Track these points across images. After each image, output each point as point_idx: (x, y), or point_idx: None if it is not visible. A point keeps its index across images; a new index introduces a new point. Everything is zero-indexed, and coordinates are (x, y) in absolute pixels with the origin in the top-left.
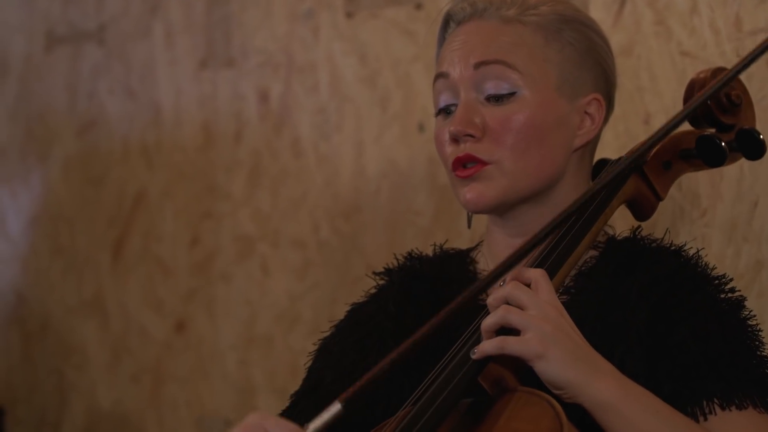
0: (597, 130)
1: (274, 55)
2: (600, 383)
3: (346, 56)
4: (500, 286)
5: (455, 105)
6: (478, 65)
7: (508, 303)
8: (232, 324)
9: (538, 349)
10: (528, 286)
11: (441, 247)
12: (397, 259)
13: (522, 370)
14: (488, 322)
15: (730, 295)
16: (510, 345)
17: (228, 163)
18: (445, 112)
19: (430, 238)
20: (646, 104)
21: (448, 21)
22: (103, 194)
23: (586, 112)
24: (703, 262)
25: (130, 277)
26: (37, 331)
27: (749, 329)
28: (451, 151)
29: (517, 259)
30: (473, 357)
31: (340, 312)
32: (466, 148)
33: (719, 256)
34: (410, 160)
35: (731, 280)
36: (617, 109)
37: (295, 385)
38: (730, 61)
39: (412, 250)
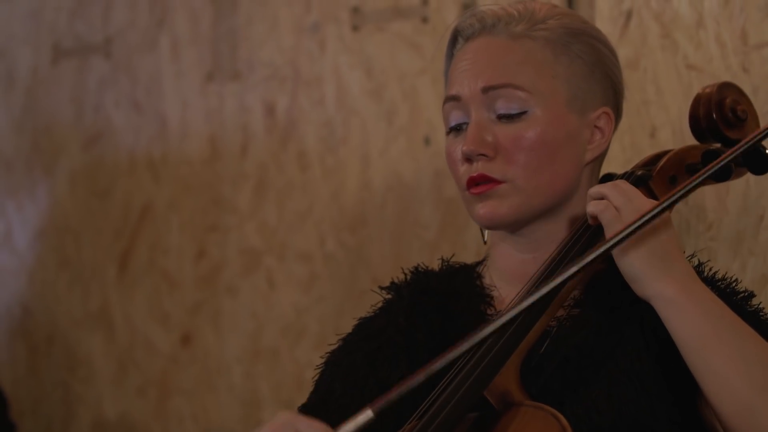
0: (607, 143)
1: (280, 68)
2: (663, 283)
3: (352, 69)
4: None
5: (466, 123)
6: (487, 89)
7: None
8: (238, 337)
9: (620, 230)
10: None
11: (447, 261)
12: (405, 274)
13: (528, 384)
14: (590, 209)
15: (738, 291)
16: (606, 213)
17: (234, 176)
18: (456, 130)
19: (435, 251)
20: (652, 118)
21: (456, 36)
22: (109, 207)
23: (595, 126)
24: (708, 268)
25: (136, 290)
26: (43, 344)
27: (763, 318)
28: (464, 170)
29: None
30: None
31: (347, 325)
32: (479, 167)
33: (725, 269)
34: (416, 173)
35: (736, 279)
36: (623, 123)
37: (301, 397)
38: (735, 75)
39: (419, 265)
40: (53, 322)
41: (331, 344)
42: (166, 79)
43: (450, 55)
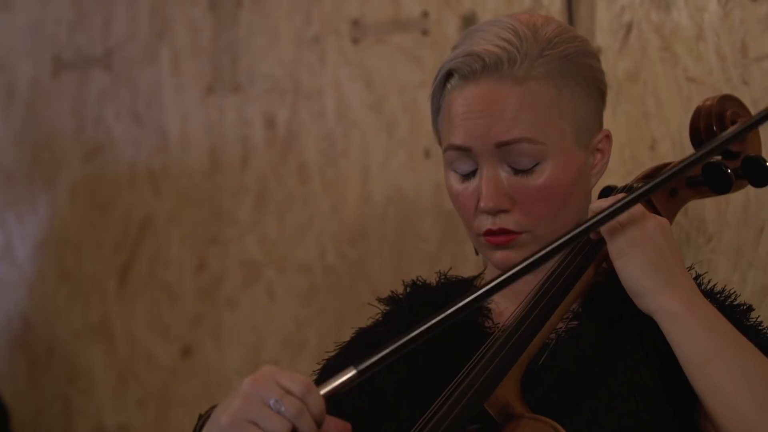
0: (607, 161)
1: (280, 80)
2: (667, 297)
3: (352, 82)
4: None
5: (475, 170)
6: (501, 145)
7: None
8: (238, 349)
9: (622, 246)
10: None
11: (445, 275)
12: (405, 287)
13: (527, 396)
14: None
15: (737, 304)
16: (608, 229)
17: (234, 189)
18: (462, 173)
19: (436, 263)
20: (652, 130)
21: (450, 73)
22: (109, 219)
23: (596, 149)
24: (707, 281)
25: (137, 302)
26: (43, 356)
27: (763, 332)
28: (481, 220)
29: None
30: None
31: (347, 337)
32: (498, 222)
33: (725, 281)
34: (416, 185)
35: (734, 292)
36: (624, 135)
37: None
38: (736, 87)
39: (417, 278)
40: (53, 335)
41: (329, 351)
42: (167, 91)
43: (442, 89)
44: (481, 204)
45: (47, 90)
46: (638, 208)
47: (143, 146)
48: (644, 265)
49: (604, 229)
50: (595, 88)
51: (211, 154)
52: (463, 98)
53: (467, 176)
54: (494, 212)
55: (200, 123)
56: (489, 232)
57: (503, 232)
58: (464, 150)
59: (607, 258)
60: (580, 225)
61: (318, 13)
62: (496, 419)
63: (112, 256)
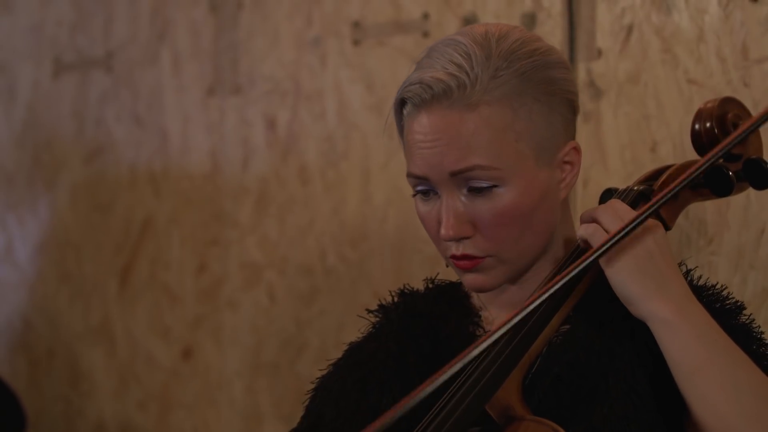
0: (578, 171)
1: (281, 82)
2: (658, 302)
3: (353, 84)
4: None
5: (432, 191)
6: (455, 174)
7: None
8: (238, 351)
9: (611, 253)
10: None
11: (432, 280)
12: (392, 296)
13: (528, 399)
14: (580, 233)
15: (727, 302)
16: (596, 237)
17: (235, 191)
18: (422, 193)
19: (436, 265)
20: (653, 132)
21: (403, 101)
22: (110, 221)
23: (564, 162)
24: (697, 277)
25: (137, 304)
26: (44, 358)
27: (754, 330)
28: (445, 246)
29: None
30: (579, 243)
31: (347, 339)
32: (461, 248)
33: (726, 283)
34: None
35: (725, 288)
36: (624, 137)
37: (302, 412)
38: (736, 89)
39: (404, 286)
40: (54, 336)
41: (330, 360)
42: (167, 93)
43: (399, 117)
44: (442, 232)
45: (48, 92)
46: (629, 214)
47: (144, 148)
48: (633, 271)
49: (592, 240)
50: (561, 100)
51: (211, 155)
52: (417, 126)
53: (431, 198)
54: (456, 240)
55: (201, 125)
56: (454, 257)
57: (466, 258)
58: (420, 179)
59: None
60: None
61: (319, 15)
62: (497, 421)
63: (113, 258)
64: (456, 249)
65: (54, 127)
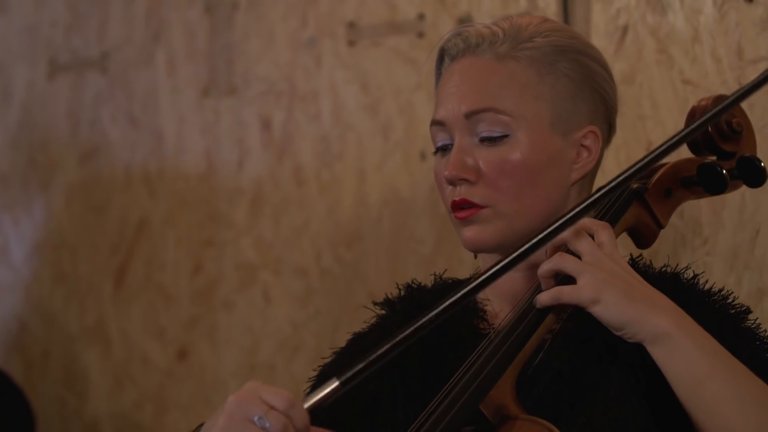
0: (594, 161)
1: (276, 83)
2: (657, 318)
3: (348, 84)
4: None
5: (451, 145)
6: (469, 114)
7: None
8: (234, 352)
9: (592, 295)
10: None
11: (440, 277)
12: (399, 289)
13: (522, 398)
14: (544, 268)
15: (733, 305)
16: (565, 295)
17: (230, 191)
18: (442, 150)
19: (431, 266)
20: (648, 132)
21: (443, 55)
22: (105, 222)
23: (582, 145)
24: (703, 282)
25: (133, 305)
26: (39, 358)
27: (759, 333)
28: (448, 193)
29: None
30: (536, 306)
31: (343, 339)
32: (462, 192)
33: (721, 284)
34: (412, 188)
35: (732, 293)
36: (619, 138)
37: None
38: (731, 90)
39: (412, 281)
40: (49, 337)
41: (325, 357)
42: (162, 94)
43: (438, 73)
44: (445, 172)
45: (43, 92)
46: (586, 244)
47: (139, 149)
48: (620, 301)
49: (565, 290)
50: (593, 90)
51: (206, 156)
52: (448, 74)
53: (446, 153)
54: (457, 180)
55: (196, 125)
56: (454, 205)
57: (466, 203)
58: (441, 124)
59: None
60: (560, 218)
61: (313, 16)
62: (491, 420)
63: (108, 259)
64: (457, 194)
65: (49, 128)
